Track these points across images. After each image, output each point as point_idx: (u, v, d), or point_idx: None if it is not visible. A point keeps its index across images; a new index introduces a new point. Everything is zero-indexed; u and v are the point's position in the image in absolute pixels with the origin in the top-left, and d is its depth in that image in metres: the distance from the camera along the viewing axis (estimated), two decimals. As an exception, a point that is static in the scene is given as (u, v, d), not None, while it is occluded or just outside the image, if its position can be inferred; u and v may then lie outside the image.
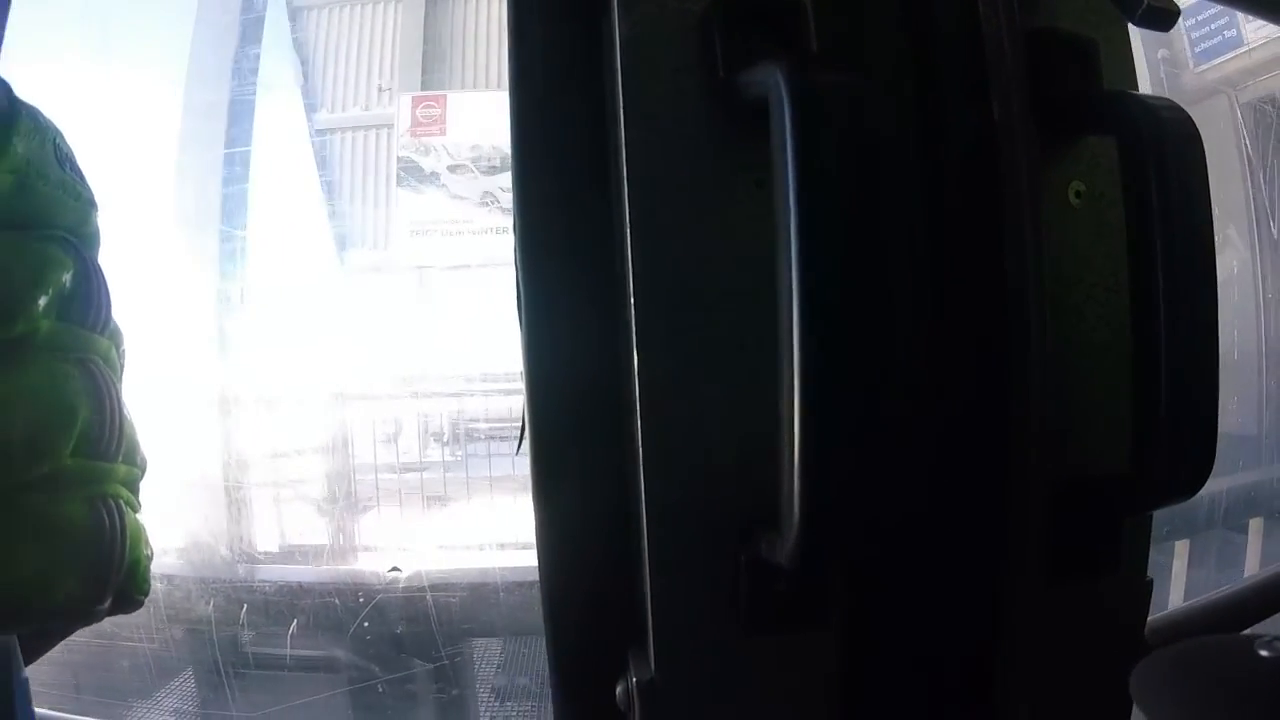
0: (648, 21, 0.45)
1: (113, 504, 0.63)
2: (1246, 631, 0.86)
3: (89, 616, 0.64)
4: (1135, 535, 0.56)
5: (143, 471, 0.70)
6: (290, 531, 2.87)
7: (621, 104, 0.45)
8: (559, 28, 0.48)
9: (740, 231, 0.45)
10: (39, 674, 0.71)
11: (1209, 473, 0.48)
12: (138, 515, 0.68)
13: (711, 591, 0.46)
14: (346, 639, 2.55)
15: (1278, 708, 0.46)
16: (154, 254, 2.73)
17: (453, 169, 3.18)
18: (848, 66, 0.43)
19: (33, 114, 0.62)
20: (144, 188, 2.78)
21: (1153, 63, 2.95)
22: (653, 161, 0.45)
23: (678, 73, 0.45)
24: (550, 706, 0.54)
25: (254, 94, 3.04)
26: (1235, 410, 2.86)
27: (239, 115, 3.01)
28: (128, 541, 0.64)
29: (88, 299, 0.65)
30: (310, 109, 3.34)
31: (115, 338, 0.68)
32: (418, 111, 3.23)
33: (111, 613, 0.65)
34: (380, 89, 3.28)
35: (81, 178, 0.66)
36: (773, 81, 0.38)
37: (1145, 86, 2.73)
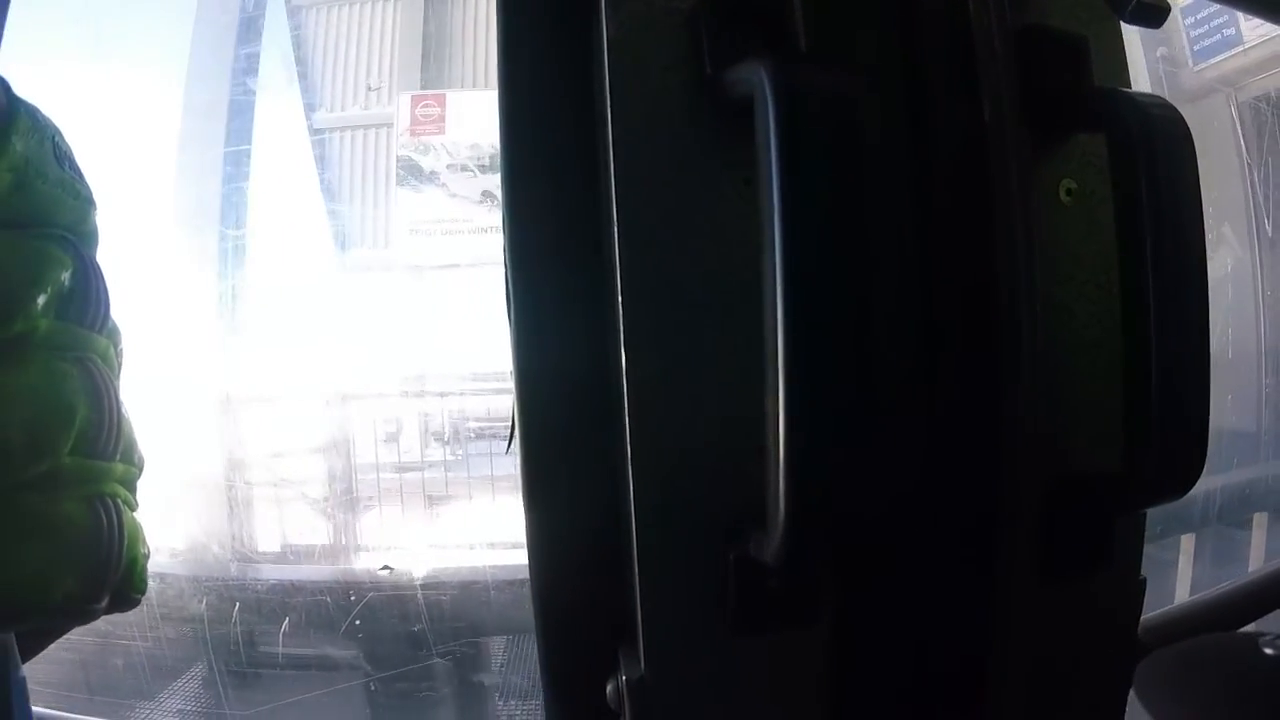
0: (635, 20, 0.45)
1: (110, 503, 0.64)
2: (1249, 629, 0.86)
3: (86, 615, 0.64)
4: (1128, 534, 0.56)
5: (140, 470, 0.70)
6: (290, 531, 2.88)
7: (609, 102, 0.45)
8: (547, 27, 0.48)
9: (728, 230, 0.45)
10: (38, 672, 0.71)
11: (1200, 471, 0.48)
12: (135, 514, 0.68)
13: (700, 590, 0.46)
14: (383, 638, 2.56)
15: None
16: (153, 253, 2.74)
17: (452, 168, 3.19)
18: (835, 64, 0.43)
19: (31, 112, 0.63)
20: (144, 187, 2.79)
21: (1151, 61, 2.95)
22: (640, 159, 0.45)
23: (666, 71, 0.45)
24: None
25: (253, 93, 3.05)
26: (1230, 408, 2.86)
27: (238, 114, 3.02)
28: (125, 540, 0.64)
29: (86, 297, 0.65)
30: (309, 108, 3.34)
31: (113, 336, 0.68)
32: (417, 110, 3.23)
33: (108, 611, 0.65)
34: (369, 88, 3.28)
35: (80, 176, 0.66)
36: (757, 79, 0.38)
37: (1144, 85, 2.73)
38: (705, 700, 0.48)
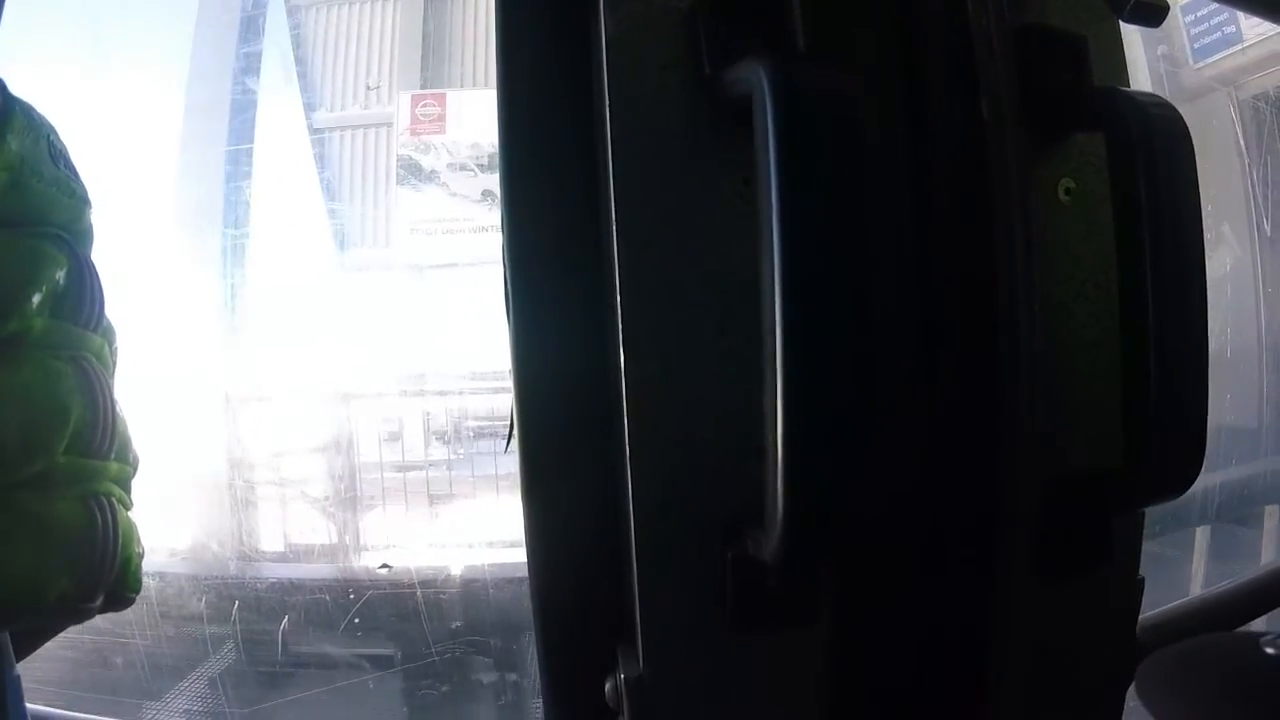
0: (634, 19, 0.45)
1: (105, 502, 0.64)
2: (1250, 629, 0.86)
3: (81, 614, 0.64)
4: (1127, 533, 0.56)
5: (135, 469, 0.70)
6: (293, 530, 2.88)
7: (608, 101, 0.45)
8: (546, 27, 0.48)
9: (727, 229, 0.45)
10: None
11: (1199, 470, 0.48)
12: (129, 513, 0.68)
13: (699, 589, 0.46)
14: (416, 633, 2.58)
15: None
16: (155, 253, 2.74)
17: (452, 167, 3.19)
18: (834, 64, 0.43)
19: (26, 110, 0.62)
20: (146, 187, 2.79)
21: (1152, 59, 2.94)
22: (639, 159, 0.45)
23: (664, 70, 0.45)
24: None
25: (254, 93, 3.05)
26: (1229, 405, 2.86)
27: (240, 114, 3.02)
28: (120, 539, 0.64)
29: (81, 296, 0.65)
30: (309, 107, 3.34)
31: (108, 335, 0.68)
32: (417, 110, 3.23)
33: (103, 610, 0.65)
34: (368, 88, 3.28)
35: (75, 174, 0.66)
36: (756, 79, 0.38)
37: (1145, 83, 2.73)
38: (703, 699, 0.48)
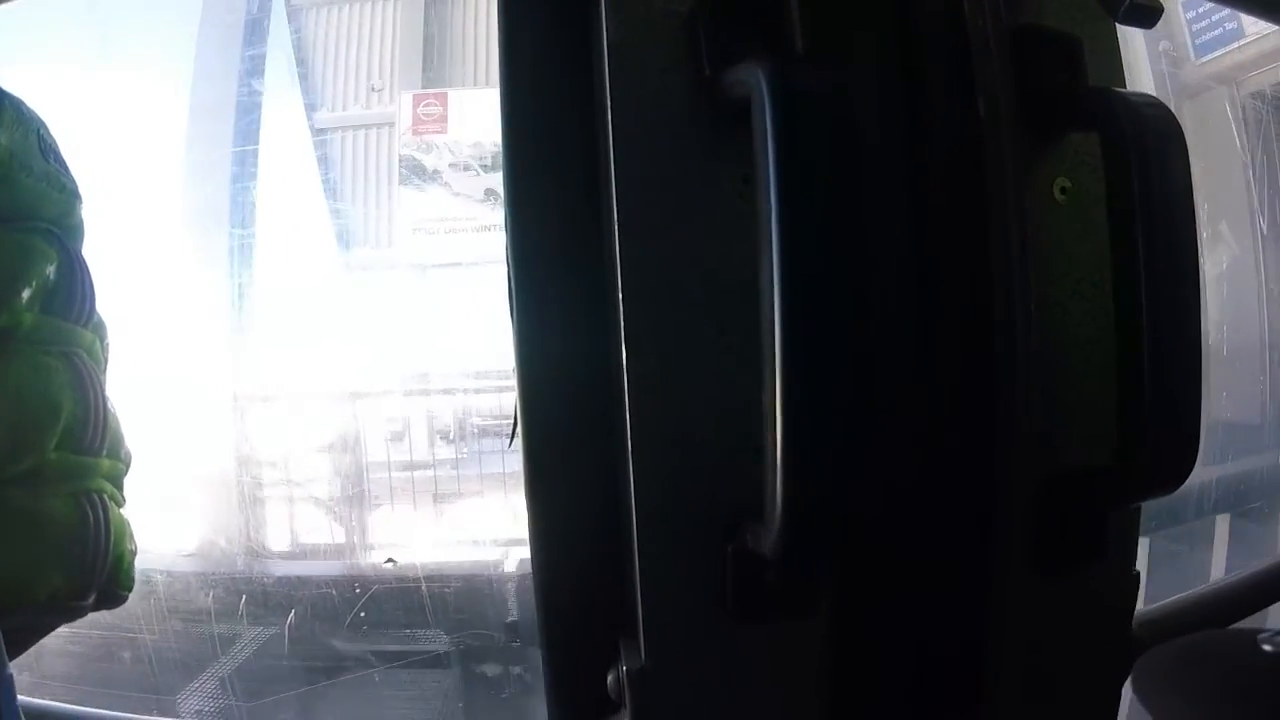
0: (635, 22, 0.45)
1: (97, 499, 0.63)
2: (1247, 625, 0.87)
3: (73, 612, 0.64)
4: (1122, 528, 0.56)
5: (127, 466, 0.69)
6: (300, 528, 2.90)
7: (609, 103, 0.45)
8: (548, 30, 0.49)
9: (727, 228, 0.46)
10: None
11: (1192, 466, 0.48)
12: (122, 510, 0.67)
13: (700, 582, 0.47)
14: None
15: None
16: (163, 253, 2.75)
17: (454, 166, 3.19)
18: (831, 65, 0.44)
19: (16, 105, 0.62)
20: (153, 188, 2.80)
21: (1154, 56, 2.93)
22: (640, 159, 0.45)
23: (664, 72, 0.45)
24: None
25: (260, 94, 3.05)
26: (1226, 403, 2.86)
27: (245, 116, 3.02)
28: (112, 537, 0.64)
29: (71, 292, 0.64)
30: (312, 108, 3.34)
31: (99, 330, 0.68)
32: (419, 109, 3.23)
33: (95, 608, 0.65)
34: (373, 89, 3.29)
35: (66, 169, 0.66)
36: (755, 80, 0.39)
37: (1146, 79, 2.72)
38: (705, 690, 0.49)
